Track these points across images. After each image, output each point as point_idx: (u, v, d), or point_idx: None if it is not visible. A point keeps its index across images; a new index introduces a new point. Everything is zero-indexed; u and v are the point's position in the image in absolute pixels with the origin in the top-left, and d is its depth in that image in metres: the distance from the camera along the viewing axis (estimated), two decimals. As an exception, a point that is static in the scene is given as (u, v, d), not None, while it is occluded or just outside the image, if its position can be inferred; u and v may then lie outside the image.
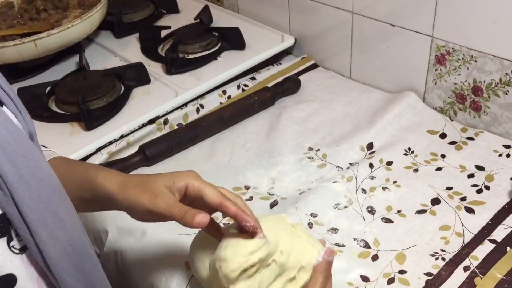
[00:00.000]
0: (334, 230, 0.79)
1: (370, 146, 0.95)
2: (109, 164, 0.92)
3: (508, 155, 0.89)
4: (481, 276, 0.70)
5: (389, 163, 0.90)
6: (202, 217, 0.58)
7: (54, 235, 0.50)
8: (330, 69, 1.19)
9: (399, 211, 0.81)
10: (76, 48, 1.21)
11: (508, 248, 0.74)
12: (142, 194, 0.60)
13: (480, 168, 0.87)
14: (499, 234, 0.76)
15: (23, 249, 0.49)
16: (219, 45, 1.21)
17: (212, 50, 1.20)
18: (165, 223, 0.72)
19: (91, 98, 1.05)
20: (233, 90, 1.11)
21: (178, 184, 0.61)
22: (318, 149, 0.95)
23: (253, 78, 1.15)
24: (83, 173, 0.65)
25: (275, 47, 1.20)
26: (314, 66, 1.19)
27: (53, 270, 0.49)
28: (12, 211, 0.46)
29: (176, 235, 0.79)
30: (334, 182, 0.86)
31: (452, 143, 0.93)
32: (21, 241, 0.48)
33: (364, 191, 0.85)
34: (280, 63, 1.21)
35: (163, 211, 0.59)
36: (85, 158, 0.95)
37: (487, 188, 0.84)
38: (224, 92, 1.11)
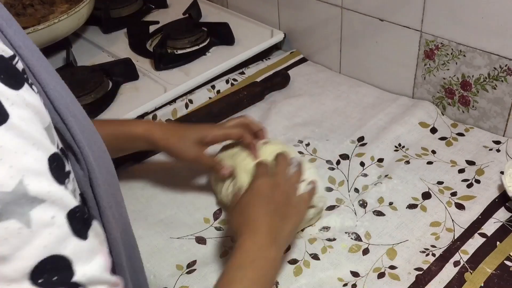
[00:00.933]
0: (326, 228, 0.79)
1: (360, 139, 0.95)
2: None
3: (498, 150, 0.89)
4: (471, 271, 0.70)
5: (380, 160, 0.90)
6: (226, 171, 0.79)
7: (116, 217, 0.51)
8: (320, 63, 1.19)
9: (390, 203, 0.81)
10: (63, 43, 1.19)
11: (498, 243, 0.74)
12: (185, 149, 0.78)
13: (470, 162, 0.88)
14: (489, 228, 0.76)
15: None
16: (208, 40, 1.20)
17: (201, 46, 1.19)
18: (156, 225, 0.81)
19: (78, 94, 1.03)
20: (222, 85, 1.11)
21: (207, 138, 0.79)
22: (308, 143, 0.94)
23: (242, 73, 1.14)
24: (114, 128, 0.79)
25: (264, 42, 1.20)
26: (303, 61, 1.19)
27: (113, 252, 0.49)
28: (88, 191, 0.47)
29: (167, 238, 0.79)
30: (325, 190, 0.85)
31: (443, 138, 0.93)
32: None
33: (356, 190, 0.85)
34: (269, 58, 1.20)
35: (195, 158, 0.79)
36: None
37: (478, 181, 0.84)
38: (213, 87, 1.10)
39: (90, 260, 0.40)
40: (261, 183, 0.69)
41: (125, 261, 0.52)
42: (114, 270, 0.50)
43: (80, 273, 0.39)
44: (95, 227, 0.42)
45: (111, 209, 0.50)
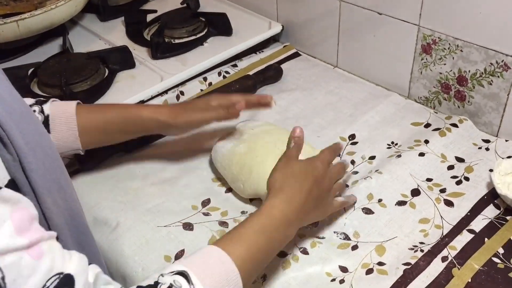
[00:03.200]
0: (314, 223, 0.79)
1: (352, 136, 0.94)
2: (87, 150, 0.90)
3: (487, 149, 0.89)
4: (459, 267, 0.70)
5: (372, 158, 0.90)
6: (241, 104, 0.80)
7: (57, 202, 0.51)
8: (317, 57, 1.18)
9: (379, 200, 0.81)
10: (60, 30, 1.19)
11: (486, 239, 0.74)
12: (192, 114, 0.80)
13: (460, 159, 0.88)
14: (477, 224, 0.76)
15: None
16: (205, 30, 1.20)
17: (198, 36, 1.18)
18: (143, 215, 0.81)
19: (74, 81, 1.03)
20: (214, 77, 1.10)
21: (211, 103, 0.81)
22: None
23: (235, 66, 1.14)
24: (122, 111, 0.81)
25: (262, 33, 1.19)
26: (296, 55, 1.19)
27: (58, 239, 0.48)
28: (20, 177, 0.46)
29: (155, 227, 0.78)
30: None
31: (436, 129, 0.93)
32: None
33: (346, 185, 0.84)
34: (262, 51, 1.20)
35: (214, 118, 0.81)
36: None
37: (467, 179, 0.84)
38: (205, 79, 1.09)
39: None
40: (320, 166, 0.70)
41: (74, 246, 0.51)
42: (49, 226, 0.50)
43: None
44: (3, 194, 0.41)
45: (52, 195, 0.50)
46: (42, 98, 0.79)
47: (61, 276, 0.44)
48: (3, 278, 0.40)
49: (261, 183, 0.77)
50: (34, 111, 0.75)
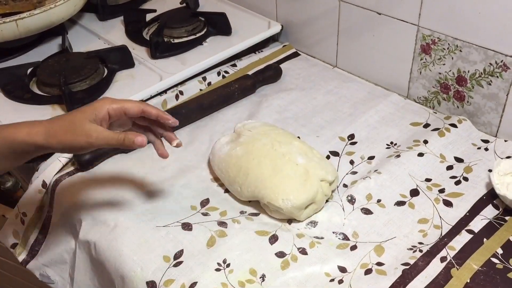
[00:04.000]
0: (313, 223, 0.79)
1: (351, 136, 0.94)
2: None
3: (486, 149, 0.89)
4: (458, 267, 0.70)
5: (371, 158, 0.90)
6: (141, 139, 0.66)
7: None
8: (317, 57, 1.18)
9: (379, 201, 0.81)
10: (59, 30, 1.19)
11: (485, 239, 0.74)
12: (76, 138, 0.65)
13: (459, 160, 0.87)
14: (476, 225, 0.76)
15: None
16: (205, 30, 1.20)
17: (198, 35, 1.18)
18: (142, 215, 0.81)
19: (73, 81, 1.03)
20: (213, 77, 1.10)
21: (100, 114, 0.67)
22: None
23: (234, 65, 1.14)
24: None
25: (261, 33, 1.19)
26: (295, 55, 1.19)
27: None
28: None
29: (153, 227, 0.78)
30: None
31: (435, 129, 0.93)
32: None
33: (345, 185, 0.85)
34: (261, 51, 1.19)
35: (103, 145, 0.66)
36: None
37: (466, 179, 0.84)
38: (204, 78, 1.09)
39: None
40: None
41: None
42: None
43: None
44: None
45: None
46: None
47: None
48: None
49: (258, 186, 0.78)
50: None
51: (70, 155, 0.90)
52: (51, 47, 1.19)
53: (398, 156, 0.88)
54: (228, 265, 0.72)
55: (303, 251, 0.74)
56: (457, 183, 0.83)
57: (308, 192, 0.77)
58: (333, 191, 0.82)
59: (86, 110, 0.67)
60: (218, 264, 0.73)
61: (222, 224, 0.78)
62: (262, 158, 0.80)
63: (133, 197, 0.84)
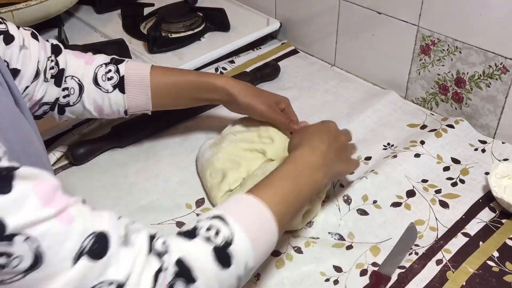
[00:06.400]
0: (309, 223, 0.78)
1: (347, 137, 0.94)
2: (81, 143, 0.90)
3: (483, 150, 0.89)
4: (453, 270, 0.70)
5: (368, 158, 0.89)
6: (298, 125, 0.84)
7: (21, 160, 0.51)
8: (315, 55, 1.17)
9: (374, 202, 0.81)
10: (55, 22, 1.17)
11: (481, 243, 0.74)
12: (261, 104, 0.83)
13: (455, 161, 0.87)
14: (472, 228, 0.76)
15: None
16: (203, 25, 1.19)
17: (196, 31, 1.17)
18: (136, 211, 0.82)
19: (69, 74, 1.02)
20: (211, 73, 1.09)
21: (280, 105, 0.86)
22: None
23: (232, 62, 1.13)
24: (195, 77, 0.83)
25: (260, 30, 1.19)
26: (294, 52, 1.18)
27: None
28: None
29: (148, 224, 0.77)
30: None
31: (432, 130, 0.93)
32: None
33: (341, 185, 0.84)
34: (260, 48, 1.19)
35: (275, 119, 0.84)
36: (55, 138, 0.92)
37: (462, 181, 0.84)
38: (202, 75, 1.08)
39: (20, 208, 0.41)
40: (331, 124, 0.74)
41: None
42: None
43: (12, 225, 0.40)
44: (22, 172, 0.43)
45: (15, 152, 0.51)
46: (117, 57, 0.81)
47: (95, 234, 0.45)
48: (38, 247, 0.42)
49: (234, 193, 0.78)
50: (110, 70, 0.78)
51: (64, 149, 0.90)
52: (47, 39, 1.18)
53: (395, 156, 0.87)
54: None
55: (298, 250, 0.74)
56: (454, 184, 0.83)
57: None
58: (327, 190, 0.81)
59: (274, 96, 0.87)
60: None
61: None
62: (240, 164, 0.81)
63: (128, 192, 0.83)
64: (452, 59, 0.92)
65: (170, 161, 0.89)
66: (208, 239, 0.52)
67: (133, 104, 0.80)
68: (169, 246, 0.50)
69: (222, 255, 0.52)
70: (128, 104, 0.79)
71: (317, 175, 0.66)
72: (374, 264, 0.72)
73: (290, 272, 0.71)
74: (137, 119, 0.94)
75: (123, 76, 0.78)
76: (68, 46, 1.11)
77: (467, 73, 0.91)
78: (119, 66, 0.79)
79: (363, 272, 0.71)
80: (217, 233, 0.52)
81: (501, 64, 0.85)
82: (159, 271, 0.48)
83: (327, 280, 0.70)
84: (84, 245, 0.44)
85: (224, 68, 1.11)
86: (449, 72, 0.94)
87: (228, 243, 0.52)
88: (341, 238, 0.76)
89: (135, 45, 1.14)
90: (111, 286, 0.45)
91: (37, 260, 0.42)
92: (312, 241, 0.75)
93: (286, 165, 0.65)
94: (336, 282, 0.70)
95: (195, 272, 0.50)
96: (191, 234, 0.52)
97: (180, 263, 0.49)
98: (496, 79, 0.87)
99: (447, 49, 0.92)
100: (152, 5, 1.27)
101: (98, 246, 0.45)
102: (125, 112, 0.80)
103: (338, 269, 0.71)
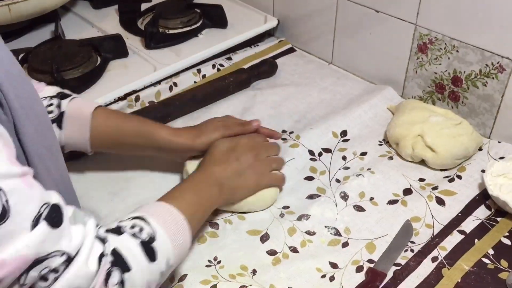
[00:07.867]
0: (306, 216, 0.78)
1: (343, 133, 0.94)
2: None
3: (480, 149, 0.89)
4: (449, 267, 0.70)
5: (363, 154, 0.89)
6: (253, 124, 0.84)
7: (50, 170, 0.54)
8: (313, 53, 1.17)
9: (371, 199, 0.81)
10: (52, 16, 1.17)
11: (476, 240, 0.74)
12: (211, 134, 0.80)
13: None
14: (468, 225, 0.76)
15: None
16: (200, 22, 1.19)
17: (193, 27, 1.17)
18: (133, 207, 0.75)
19: (65, 68, 1.01)
20: (208, 70, 1.09)
21: (227, 132, 0.82)
22: (292, 132, 0.94)
23: (229, 59, 1.13)
24: (139, 125, 0.79)
25: (257, 27, 1.18)
26: (291, 50, 1.18)
27: None
28: (13, 139, 0.48)
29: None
30: (305, 179, 0.85)
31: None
32: None
33: (338, 180, 0.84)
34: (257, 45, 1.19)
35: (232, 134, 0.81)
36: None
37: (459, 177, 0.84)
38: (199, 71, 1.08)
39: None
40: (257, 139, 0.80)
41: None
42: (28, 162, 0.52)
43: None
44: None
45: (43, 160, 0.53)
46: (66, 92, 0.79)
47: (50, 205, 0.47)
48: (7, 201, 0.43)
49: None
50: (51, 104, 0.75)
51: None
52: (43, 34, 1.17)
53: (391, 158, 0.88)
54: (219, 262, 0.72)
55: (294, 250, 0.74)
56: (451, 180, 0.84)
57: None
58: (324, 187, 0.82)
59: (213, 120, 0.85)
60: (209, 261, 0.72)
61: (214, 225, 0.78)
62: None
63: (124, 188, 0.83)
64: (449, 58, 0.92)
65: (168, 158, 0.89)
66: (134, 235, 0.56)
67: (70, 142, 0.77)
68: (107, 236, 0.54)
69: (148, 249, 0.56)
70: (65, 141, 0.76)
71: (212, 189, 0.71)
72: (370, 261, 0.72)
73: (286, 268, 0.71)
74: (135, 114, 0.93)
75: (63, 112, 0.75)
76: (65, 41, 1.11)
77: (464, 72, 0.91)
78: (63, 101, 0.76)
79: (359, 269, 0.71)
80: (140, 230, 0.57)
81: (497, 63, 0.86)
82: (102, 255, 0.52)
83: (323, 276, 0.70)
84: (41, 211, 0.46)
85: (221, 65, 1.11)
86: (446, 70, 0.94)
87: (152, 239, 0.57)
88: (337, 232, 0.76)
89: (132, 41, 1.14)
90: (63, 256, 0.48)
91: (4, 214, 0.43)
92: (308, 240, 0.75)
93: (187, 181, 0.72)
94: (332, 278, 0.70)
95: (129, 262, 0.54)
96: (117, 231, 0.56)
97: (115, 253, 0.53)
98: (493, 78, 0.88)
99: (444, 48, 0.92)
100: (150, 1, 1.27)
101: (56, 216, 0.47)
102: (62, 148, 0.76)
103: (334, 265, 0.72)
